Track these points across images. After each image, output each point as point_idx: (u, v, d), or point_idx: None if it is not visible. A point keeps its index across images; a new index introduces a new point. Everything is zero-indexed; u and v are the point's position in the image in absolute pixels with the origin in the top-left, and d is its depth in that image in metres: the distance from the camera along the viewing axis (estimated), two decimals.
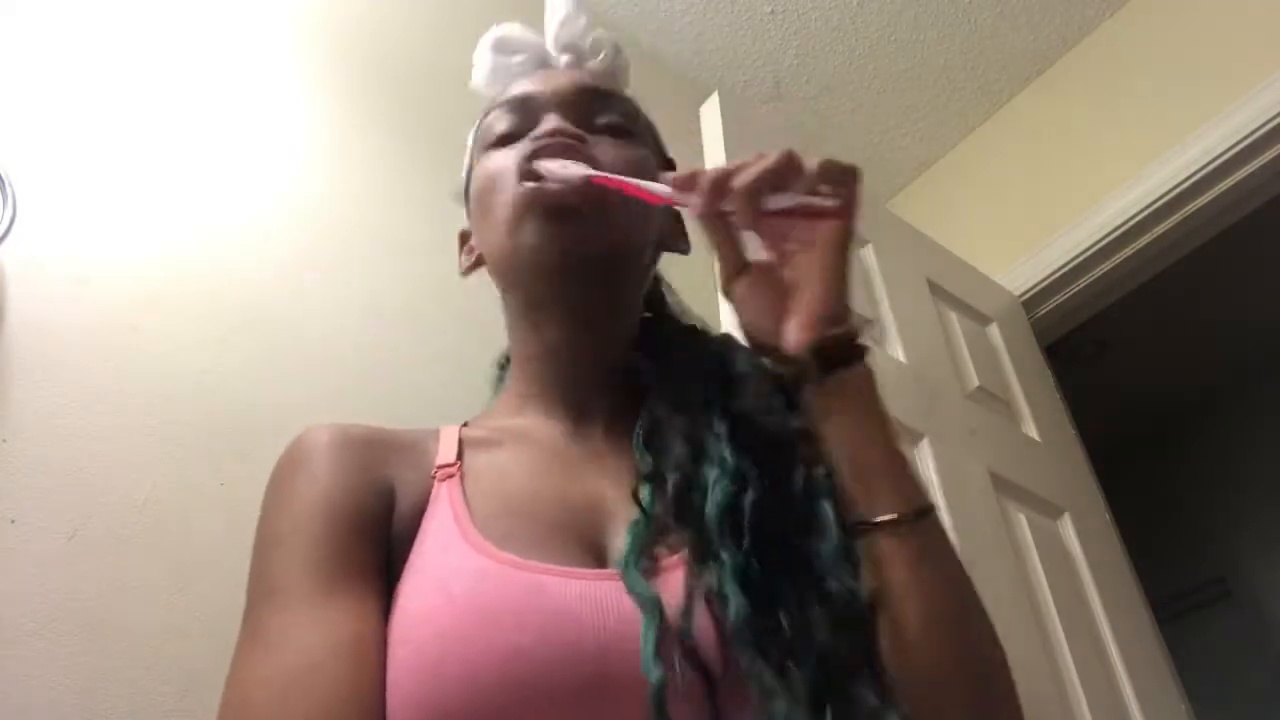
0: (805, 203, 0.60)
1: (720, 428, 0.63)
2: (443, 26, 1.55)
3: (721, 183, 0.57)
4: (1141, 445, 3.27)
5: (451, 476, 0.62)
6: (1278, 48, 1.71)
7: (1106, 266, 1.89)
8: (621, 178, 0.64)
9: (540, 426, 0.69)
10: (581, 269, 0.67)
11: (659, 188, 0.61)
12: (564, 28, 0.80)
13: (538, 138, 0.68)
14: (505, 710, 0.49)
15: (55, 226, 0.96)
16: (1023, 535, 1.42)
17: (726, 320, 1.16)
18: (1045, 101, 2.12)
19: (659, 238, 0.74)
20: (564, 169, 0.65)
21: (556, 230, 0.65)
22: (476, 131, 0.78)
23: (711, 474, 0.60)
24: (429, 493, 0.62)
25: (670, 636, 0.52)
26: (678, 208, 0.68)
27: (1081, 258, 1.88)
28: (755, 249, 0.62)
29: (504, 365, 0.81)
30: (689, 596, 0.54)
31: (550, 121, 0.69)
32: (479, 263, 0.76)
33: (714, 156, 1.37)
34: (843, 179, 0.61)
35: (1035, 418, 1.65)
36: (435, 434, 0.69)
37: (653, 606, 0.52)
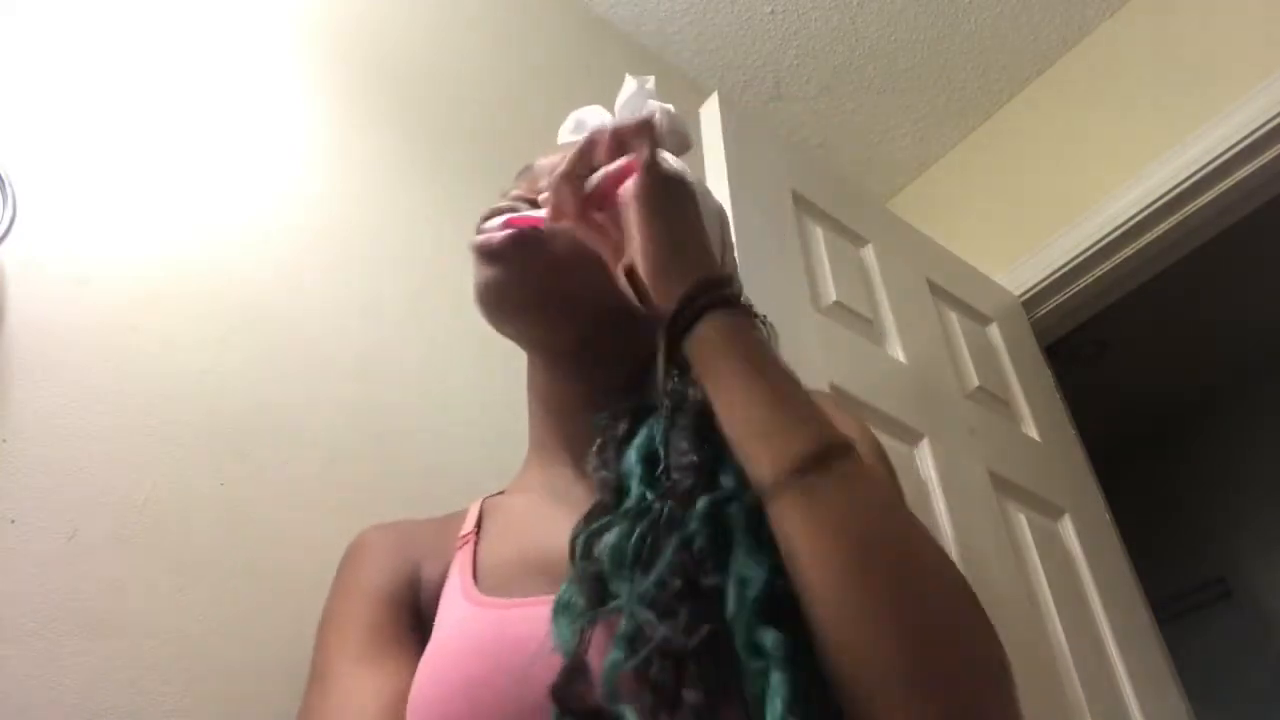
0: (606, 171, 0.62)
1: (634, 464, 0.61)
2: (443, 27, 1.55)
3: (554, 187, 0.63)
4: (1141, 445, 3.27)
5: (467, 544, 0.72)
6: (1278, 48, 1.71)
7: (1106, 266, 1.89)
8: (527, 214, 0.72)
9: (546, 476, 0.77)
10: (512, 307, 0.74)
11: (539, 213, 0.69)
12: (624, 108, 0.83)
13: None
14: None
15: (55, 226, 0.96)
16: (1023, 535, 1.42)
17: None
18: (1045, 101, 2.12)
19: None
20: (500, 220, 0.74)
21: (485, 272, 0.73)
22: None
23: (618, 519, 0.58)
24: (451, 563, 0.71)
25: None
26: (562, 228, 0.68)
27: (1081, 258, 1.88)
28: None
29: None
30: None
31: (516, 189, 0.78)
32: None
33: (714, 156, 1.37)
34: (635, 134, 0.62)
35: (1035, 418, 1.65)
36: (469, 508, 0.79)
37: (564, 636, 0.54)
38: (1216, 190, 1.76)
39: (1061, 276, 1.91)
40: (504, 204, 0.76)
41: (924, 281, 1.63)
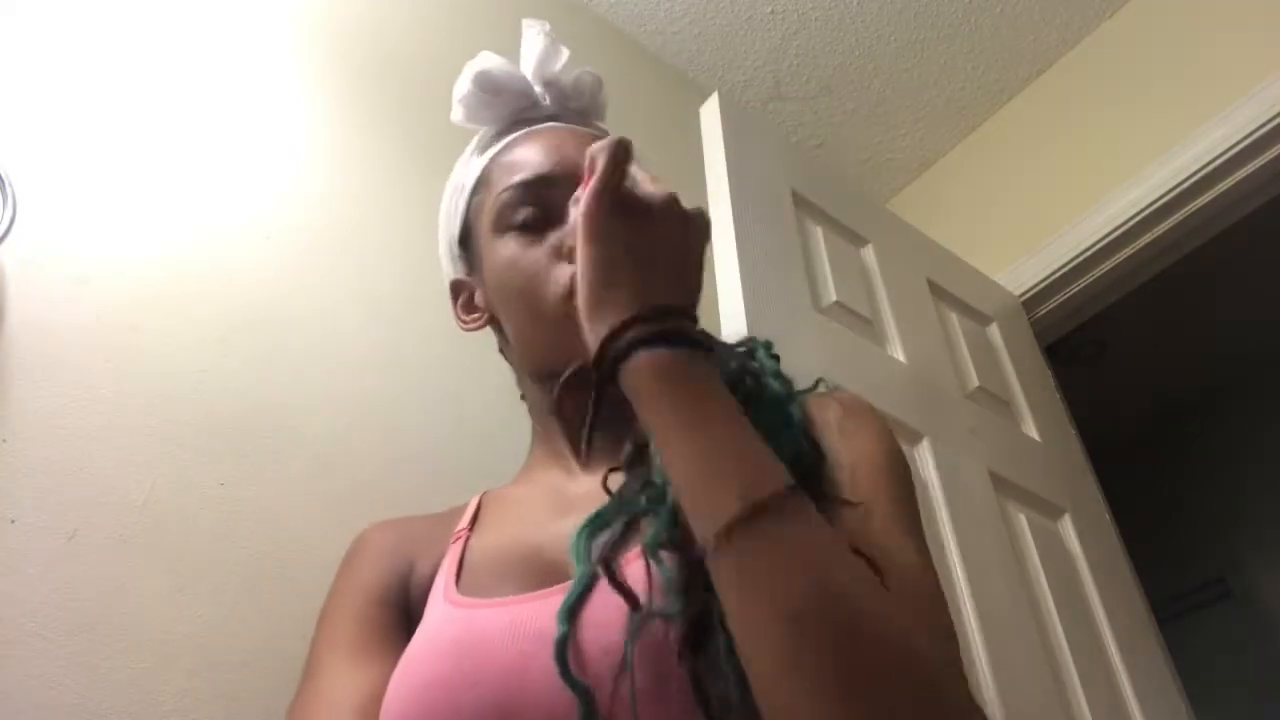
0: (575, 197, 0.59)
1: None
2: (443, 26, 1.55)
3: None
4: (1141, 445, 3.27)
5: (459, 540, 0.72)
6: (1278, 48, 1.71)
7: (1106, 266, 1.89)
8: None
9: (548, 475, 0.77)
10: None
11: None
12: (543, 64, 0.82)
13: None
14: None
15: (55, 226, 0.96)
16: (1023, 535, 1.42)
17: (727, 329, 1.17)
18: (1045, 101, 2.12)
19: None
20: None
21: None
22: (479, 188, 0.80)
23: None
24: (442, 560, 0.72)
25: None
26: None
27: (1081, 258, 1.88)
28: None
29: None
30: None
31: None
32: (491, 324, 0.81)
33: (714, 156, 1.37)
34: (600, 153, 0.56)
35: (1035, 418, 1.65)
36: (469, 503, 0.78)
37: (581, 560, 0.57)
38: (1216, 190, 1.76)
39: (1061, 276, 1.91)
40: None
41: (924, 281, 1.63)
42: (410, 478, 1.06)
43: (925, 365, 1.48)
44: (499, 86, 0.81)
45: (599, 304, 0.53)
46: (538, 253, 0.73)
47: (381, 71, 1.41)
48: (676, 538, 0.54)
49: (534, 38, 0.82)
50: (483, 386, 1.18)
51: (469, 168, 0.83)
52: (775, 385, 0.65)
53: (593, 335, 0.53)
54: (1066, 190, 1.96)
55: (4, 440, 0.83)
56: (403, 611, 0.71)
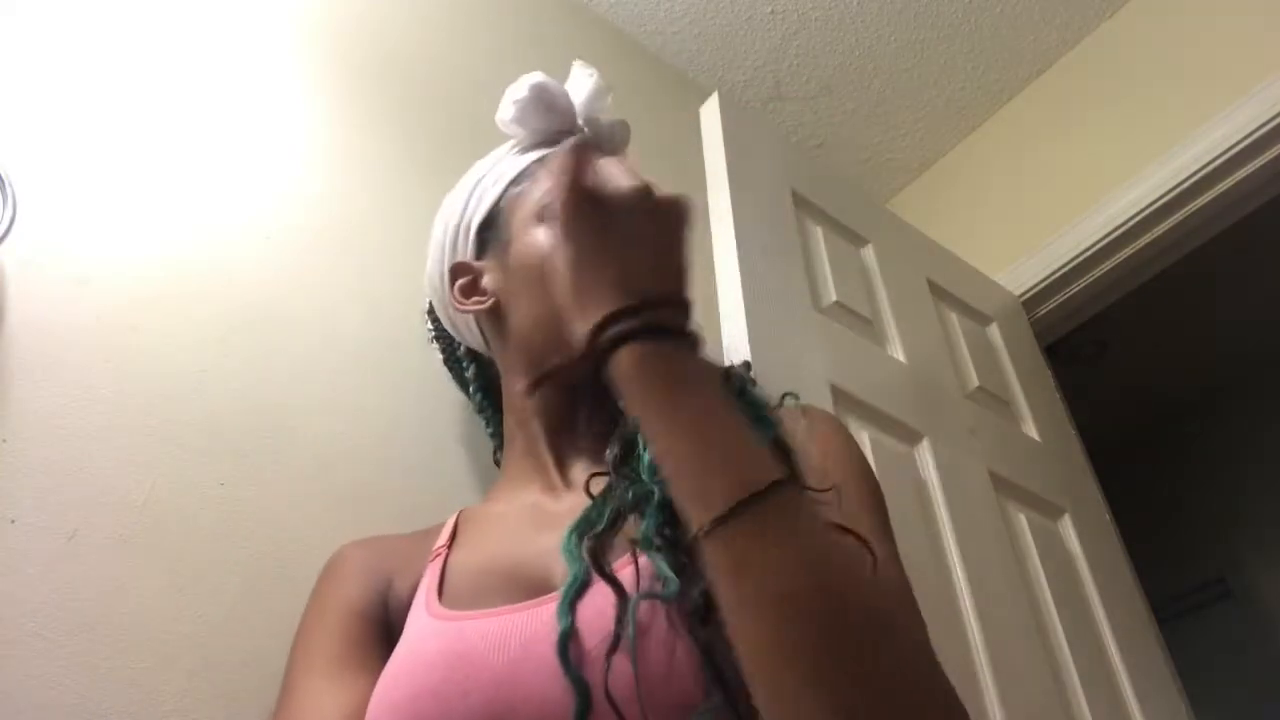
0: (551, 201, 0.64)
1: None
2: (443, 27, 1.55)
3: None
4: (1141, 445, 3.27)
5: (438, 557, 0.73)
6: (1278, 48, 1.71)
7: (1106, 266, 1.89)
8: None
9: (527, 489, 0.78)
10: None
11: None
12: (590, 104, 0.89)
13: None
14: None
15: (55, 226, 0.96)
16: (1023, 535, 1.42)
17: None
18: (1045, 101, 2.12)
19: None
20: None
21: None
22: (521, 180, 0.85)
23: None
24: (421, 577, 0.72)
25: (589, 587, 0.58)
26: None
27: (1081, 258, 1.88)
28: None
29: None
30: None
31: None
32: (490, 313, 0.83)
33: (714, 156, 1.37)
34: (566, 155, 0.59)
35: (1035, 418, 1.65)
36: (446, 521, 0.79)
37: (573, 559, 0.59)
38: (1216, 190, 1.76)
39: (1061, 276, 1.91)
40: None
41: (924, 281, 1.63)
42: (410, 478, 1.06)
43: (925, 365, 1.48)
44: (553, 103, 0.87)
45: (580, 301, 0.54)
46: None
47: (381, 71, 1.41)
48: (668, 533, 0.56)
49: (584, 79, 0.89)
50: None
51: (507, 163, 0.88)
52: (753, 391, 0.68)
53: (578, 332, 0.55)
54: (1066, 190, 1.96)
55: (4, 440, 0.83)
56: (383, 627, 0.71)
